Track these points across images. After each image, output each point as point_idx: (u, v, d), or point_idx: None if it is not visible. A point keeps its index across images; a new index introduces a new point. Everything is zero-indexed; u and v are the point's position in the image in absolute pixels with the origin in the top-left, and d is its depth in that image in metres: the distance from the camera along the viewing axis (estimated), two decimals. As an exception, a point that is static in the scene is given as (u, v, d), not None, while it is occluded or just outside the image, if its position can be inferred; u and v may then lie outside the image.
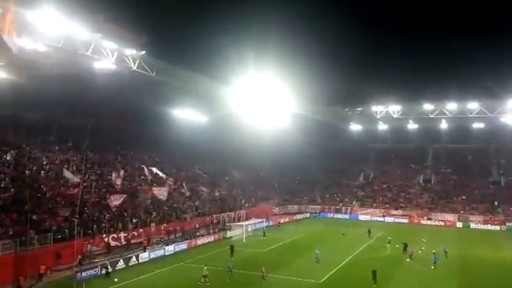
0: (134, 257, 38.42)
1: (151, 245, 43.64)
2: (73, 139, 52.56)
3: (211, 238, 49.82)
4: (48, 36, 29.57)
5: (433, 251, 38.89)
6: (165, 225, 48.74)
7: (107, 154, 56.38)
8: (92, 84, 38.64)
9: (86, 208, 41.90)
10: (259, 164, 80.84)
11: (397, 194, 77.47)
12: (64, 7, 28.84)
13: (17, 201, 36.73)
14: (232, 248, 41.63)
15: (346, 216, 73.56)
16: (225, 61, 48.03)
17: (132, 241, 43.25)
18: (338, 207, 76.60)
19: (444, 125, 70.56)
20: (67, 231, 37.11)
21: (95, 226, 40.85)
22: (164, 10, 51.18)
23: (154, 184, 54.56)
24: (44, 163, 46.05)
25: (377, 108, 66.60)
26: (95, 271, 33.94)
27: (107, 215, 43.42)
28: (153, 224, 47.14)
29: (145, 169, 56.01)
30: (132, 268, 36.89)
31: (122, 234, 42.73)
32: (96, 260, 37.00)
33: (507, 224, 61.94)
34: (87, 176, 47.55)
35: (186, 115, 62.40)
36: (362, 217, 71.45)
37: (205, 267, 32.68)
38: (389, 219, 68.98)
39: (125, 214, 45.61)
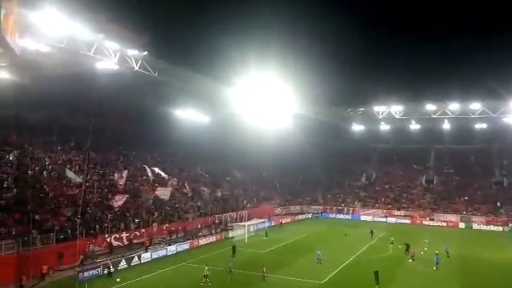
0: (136, 257, 38.47)
1: (153, 245, 43.70)
2: (75, 139, 52.70)
3: (213, 238, 49.85)
4: (50, 36, 29.67)
5: (436, 251, 38.80)
6: (167, 225, 48.80)
7: (110, 154, 56.53)
8: (95, 84, 38.74)
9: (88, 208, 41.99)
10: (261, 164, 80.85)
11: (399, 194, 77.33)
12: (66, 8, 28.92)
13: (19, 201, 36.84)
14: (234, 248, 41.65)
15: (348, 217, 73.47)
16: (227, 62, 48.08)
17: (134, 241, 43.33)
18: (340, 207, 76.49)
19: (446, 125, 70.36)
20: (69, 231, 37.22)
21: (97, 226, 40.94)
22: (167, 10, 51.21)
23: (156, 184, 54.65)
24: (47, 163, 46.18)
25: (379, 109, 66.50)
26: (97, 271, 34.01)
27: (109, 215, 43.50)
28: (155, 224, 47.23)
29: (148, 170, 56.01)
30: (134, 268, 36.94)
31: (124, 234, 42.82)
32: (98, 260, 37.07)
33: (509, 225, 61.74)
34: (89, 176, 47.64)
35: (188, 116, 62.50)
36: (364, 218, 71.35)
37: (206, 267, 32.73)
38: (391, 220, 68.87)
39: (127, 214, 45.69)
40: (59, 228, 36.90)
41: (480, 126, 70.66)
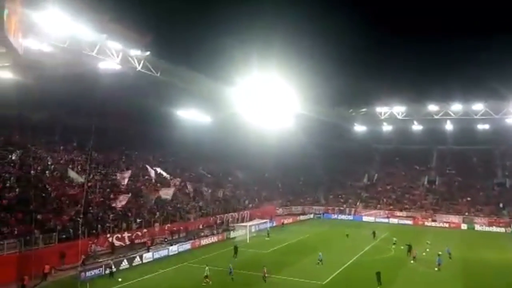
0: (138, 257, 38.51)
1: (155, 245, 43.74)
2: (78, 139, 52.81)
3: (214, 239, 49.86)
4: (53, 36, 29.73)
5: (439, 252, 38.79)
6: (169, 225, 48.86)
7: (112, 154, 56.62)
8: (97, 85, 38.83)
9: (90, 208, 42.05)
10: (263, 165, 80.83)
11: (401, 195, 77.20)
12: (69, 8, 28.99)
13: (22, 200, 36.93)
14: (235, 248, 41.65)
15: (350, 217, 73.39)
16: (229, 62, 48.17)
17: (136, 241, 43.40)
18: (342, 208, 76.39)
19: (449, 126, 70.24)
20: (71, 230, 37.32)
21: (99, 226, 41.01)
22: (169, 10, 51.32)
23: (158, 185, 54.71)
24: (49, 163, 46.27)
25: (382, 109, 66.47)
26: (99, 270, 34.03)
27: (111, 215, 43.59)
28: (157, 224, 47.30)
29: (150, 170, 55.97)
30: (136, 268, 36.98)
31: (126, 234, 42.88)
32: (100, 260, 37.12)
33: (512, 226, 61.61)
34: (91, 176, 47.71)
35: (190, 116, 62.52)
36: (366, 219, 71.26)
37: (207, 268, 32.77)
38: (393, 221, 68.75)
39: (129, 214, 45.75)
40: (61, 228, 36.99)
41: (482, 127, 70.44)
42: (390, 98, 63.99)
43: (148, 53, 38.55)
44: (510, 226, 61.52)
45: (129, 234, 43.22)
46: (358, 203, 76.96)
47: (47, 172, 44.23)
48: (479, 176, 76.84)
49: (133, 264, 37.48)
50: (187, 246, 45.05)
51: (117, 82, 40.68)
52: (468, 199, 71.43)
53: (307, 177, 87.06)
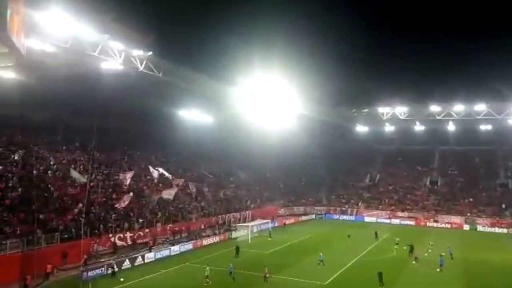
0: (140, 257, 38.56)
1: (157, 245, 43.80)
2: (80, 139, 52.89)
3: (216, 239, 49.87)
4: (56, 36, 29.81)
5: (442, 253, 38.75)
6: (170, 225, 48.89)
7: (114, 154, 56.70)
8: (99, 85, 38.88)
9: (92, 208, 42.14)
10: (265, 165, 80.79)
11: (403, 196, 77.04)
12: (72, 8, 29.05)
13: (24, 200, 37.03)
14: (237, 249, 41.66)
15: (352, 218, 73.32)
16: (232, 62, 48.23)
17: (138, 241, 43.46)
18: (344, 208, 76.32)
19: (451, 127, 70.01)
20: (73, 230, 37.38)
21: (101, 225, 41.09)
22: (171, 11, 51.43)
23: (160, 185, 54.75)
24: (52, 163, 46.38)
25: (384, 110, 66.38)
26: (101, 270, 34.11)
27: (114, 215, 43.66)
28: (159, 224, 47.34)
29: (153, 171, 55.92)
30: (138, 268, 37.03)
31: (128, 234, 42.94)
32: (102, 260, 37.21)
33: (514, 227, 61.42)
34: (94, 176, 47.81)
35: (192, 116, 62.56)
36: (368, 219, 71.13)
37: (208, 268, 32.83)
38: (395, 221, 68.59)
39: (131, 214, 45.83)
40: (63, 228, 37.06)
41: (485, 127, 70.24)
42: (392, 99, 63.93)
43: (150, 53, 38.62)
44: (512, 227, 61.39)
45: (131, 234, 43.28)
46: (360, 204, 76.85)
47: (49, 172, 44.33)
48: (481, 177, 76.62)
49: (135, 264, 37.54)
50: (189, 246, 45.09)
51: (119, 82, 40.73)
52: (470, 199, 71.22)
53: (309, 178, 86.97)
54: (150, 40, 38.37)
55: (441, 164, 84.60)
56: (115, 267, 34.42)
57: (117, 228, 42.53)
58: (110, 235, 40.98)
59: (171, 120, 61.22)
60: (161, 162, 63.00)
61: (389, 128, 77.53)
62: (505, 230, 61.25)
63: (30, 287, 29.67)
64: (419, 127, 73.44)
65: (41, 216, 36.36)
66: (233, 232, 52.97)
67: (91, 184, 45.03)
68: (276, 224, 62.38)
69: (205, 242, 47.84)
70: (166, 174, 59.60)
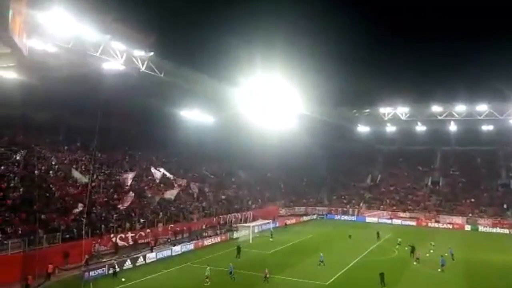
0: (141, 257, 38.59)
1: (158, 246, 43.85)
2: (81, 139, 52.93)
3: (217, 239, 49.89)
4: (58, 37, 29.81)
5: (445, 254, 38.70)
6: (172, 225, 48.93)
7: (115, 154, 56.77)
8: (101, 85, 38.86)
9: (94, 208, 42.19)
10: (266, 165, 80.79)
11: (404, 196, 76.97)
12: (73, 8, 29.06)
13: (26, 200, 37.11)
14: (238, 249, 41.68)
15: (353, 218, 73.31)
16: (233, 62, 48.23)
17: (140, 241, 43.52)
18: (345, 209, 76.29)
19: (452, 127, 69.79)
20: (75, 230, 37.44)
21: (103, 226, 41.16)
22: (173, 11, 51.43)
23: (162, 185, 54.76)
24: (53, 163, 46.46)
25: (385, 110, 66.27)
26: (103, 270, 34.15)
27: (115, 215, 43.70)
28: (160, 225, 47.39)
29: (156, 172, 55.80)
30: (139, 268, 37.06)
31: (129, 234, 43.01)
32: (103, 260, 37.26)
33: (516, 227, 61.31)
34: (95, 176, 47.87)
35: (193, 116, 62.56)
36: (369, 219, 71.10)
37: (208, 268, 32.87)
38: (397, 222, 68.54)
39: (133, 214, 45.87)
40: (65, 228, 37.15)
41: (486, 128, 70.03)
42: (394, 99, 63.85)
43: (152, 53, 38.61)
44: (514, 228, 61.26)
45: (133, 234, 43.33)
46: (361, 204, 76.79)
47: (51, 172, 44.41)
48: (483, 177, 76.54)
49: (137, 264, 37.57)
50: (190, 246, 45.12)
51: (121, 83, 40.73)
52: (472, 200, 71.13)
53: (310, 178, 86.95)
54: (152, 40, 38.36)
55: (442, 164, 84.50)
56: (116, 267, 34.48)
57: (119, 228, 42.59)
58: (112, 235, 41.03)
59: (172, 120, 61.23)
60: (162, 162, 62.97)
61: (390, 128, 77.36)
62: (506, 231, 61.15)
63: (32, 287, 29.69)
64: (420, 127, 73.23)
65: (42, 216, 36.45)
66: (234, 232, 52.97)
67: (93, 184, 45.10)
68: (277, 225, 62.39)
69: (207, 242, 47.85)
70: (168, 174, 59.58)
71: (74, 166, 48.06)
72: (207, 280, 31.93)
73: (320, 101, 61.63)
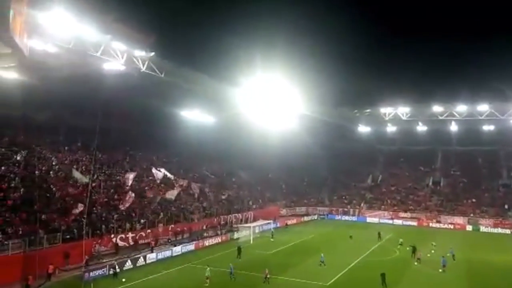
0: (141, 257, 38.57)
1: (159, 246, 43.81)
2: (82, 139, 52.89)
3: (218, 239, 49.84)
4: (58, 37, 29.77)
5: (448, 254, 38.60)
6: (172, 226, 48.88)
7: (116, 154, 56.72)
8: (101, 85, 38.83)
9: (94, 208, 42.15)
10: (267, 165, 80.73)
11: (405, 196, 76.87)
12: (74, 9, 29.03)
13: (26, 201, 37.08)
14: (239, 249, 41.64)
15: (354, 218, 73.24)
16: (233, 62, 48.13)
17: (140, 242, 43.48)
18: (346, 209, 76.23)
19: (453, 127, 69.64)
20: (75, 231, 37.41)
21: (103, 226, 41.12)
22: (173, 11, 51.36)
23: (162, 185, 54.71)
24: (54, 163, 46.42)
25: (386, 110, 66.17)
26: (103, 271, 34.12)
27: (115, 216, 43.66)
28: (160, 225, 47.34)
29: (157, 172, 55.73)
30: (140, 268, 37.02)
31: (130, 235, 42.98)
32: (104, 260, 37.22)
33: (517, 227, 61.20)
34: (95, 176, 47.82)
35: (194, 116, 62.50)
36: (370, 220, 71.04)
37: (208, 268, 32.85)
38: (398, 222, 68.46)
39: (133, 215, 45.84)
40: (65, 228, 37.12)
41: (487, 128, 69.86)
42: (395, 99, 63.74)
43: (152, 53, 38.56)
44: (515, 228, 61.15)
45: (133, 235, 43.29)
46: (362, 204, 76.71)
47: (51, 172, 44.37)
48: (484, 177, 76.44)
49: (137, 264, 37.54)
50: (190, 247, 45.07)
51: (122, 83, 40.67)
52: (473, 200, 71.03)
53: (311, 178, 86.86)
54: (152, 40, 38.32)
55: (443, 164, 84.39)
56: (117, 267, 34.44)
57: (119, 228, 42.56)
58: (112, 236, 41.01)
59: (172, 120, 61.13)
60: (163, 163, 62.94)
61: (391, 128, 77.22)
62: (508, 231, 61.09)
63: (32, 288, 29.71)
64: (421, 128, 73.08)
65: (43, 217, 36.42)
66: (235, 232, 52.91)
67: (93, 184, 45.07)
68: (278, 225, 62.34)
69: (207, 242, 47.80)
70: (168, 175, 59.54)
71: (74, 166, 48.05)
72: (207, 280, 31.90)
73: (320, 101, 61.54)
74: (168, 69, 41.53)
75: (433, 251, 43.77)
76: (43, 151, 47.32)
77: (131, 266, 36.77)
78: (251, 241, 49.78)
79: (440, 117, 62.87)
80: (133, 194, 46.02)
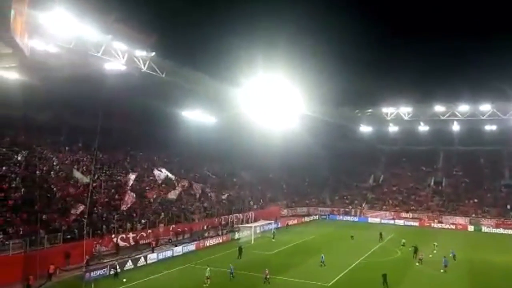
0: (142, 257, 38.54)
1: (160, 246, 43.78)
2: (83, 139, 52.89)
3: (219, 240, 49.78)
4: (59, 37, 29.78)
5: (450, 255, 38.49)
6: (173, 226, 48.85)
7: (117, 154, 56.71)
8: (102, 85, 38.85)
9: (95, 208, 42.14)
10: (268, 165, 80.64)
11: (407, 196, 76.70)
12: (75, 9, 29.03)
13: (27, 201, 37.09)
14: (240, 249, 41.59)
15: (356, 219, 73.08)
16: (235, 62, 48.11)
17: (141, 242, 43.48)
18: (347, 209, 76.10)
19: (455, 127, 69.50)
20: (76, 231, 37.41)
21: (104, 226, 41.10)
22: (174, 11, 51.35)
23: (163, 185, 54.68)
24: (55, 163, 46.41)
25: (388, 110, 66.02)
26: (104, 271, 34.10)
27: (116, 216, 43.64)
28: (161, 225, 47.31)
29: (158, 173, 55.69)
30: (141, 268, 36.99)
31: (130, 235, 42.97)
32: (105, 260, 37.21)
33: (519, 228, 61.00)
34: (96, 176, 47.81)
35: (195, 116, 62.49)
36: (371, 220, 70.88)
37: (208, 268, 32.82)
38: (399, 222, 68.29)
39: (134, 215, 45.81)
40: (66, 228, 37.11)
41: (490, 127, 69.62)
42: (396, 99, 63.60)
43: (153, 53, 38.55)
44: (517, 228, 60.95)
45: (134, 235, 43.28)
46: (363, 204, 76.56)
47: (52, 172, 44.37)
48: (486, 177, 76.19)
49: (138, 264, 37.51)
50: (191, 247, 45.03)
51: (122, 83, 40.70)
52: (475, 200, 70.81)
53: (312, 178, 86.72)
54: (153, 40, 38.31)
55: (445, 164, 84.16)
56: (117, 267, 34.41)
57: (120, 228, 42.54)
58: (113, 236, 41.00)
59: (173, 120, 61.13)
60: (164, 163, 62.92)
61: (393, 128, 77.07)
62: (510, 231, 60.87)
63: (33, 288, 29.70)
64: (423, 127, 72.93)
65: (44, 217, 36.41)
66: (236, 233, 52.84)
67: (94, 184, 45.07)
68: (279, 225, 62.26)
69: (208, 243, 47.75)
70: (169, 175, 59.50)
71: (75, 166, 48.05)
72: (207, 280, 31.85)
73: (322, 101, 61.47)
74: (169, 69, 41.50)
75: (435, 252, 43.63)
76: (44, 151, 47.31)
77: (132, 266, 36.74)
78: (252, 241, 49.71)
79: (442, 117, 62.66)
80: (133, 194, 46.01)
